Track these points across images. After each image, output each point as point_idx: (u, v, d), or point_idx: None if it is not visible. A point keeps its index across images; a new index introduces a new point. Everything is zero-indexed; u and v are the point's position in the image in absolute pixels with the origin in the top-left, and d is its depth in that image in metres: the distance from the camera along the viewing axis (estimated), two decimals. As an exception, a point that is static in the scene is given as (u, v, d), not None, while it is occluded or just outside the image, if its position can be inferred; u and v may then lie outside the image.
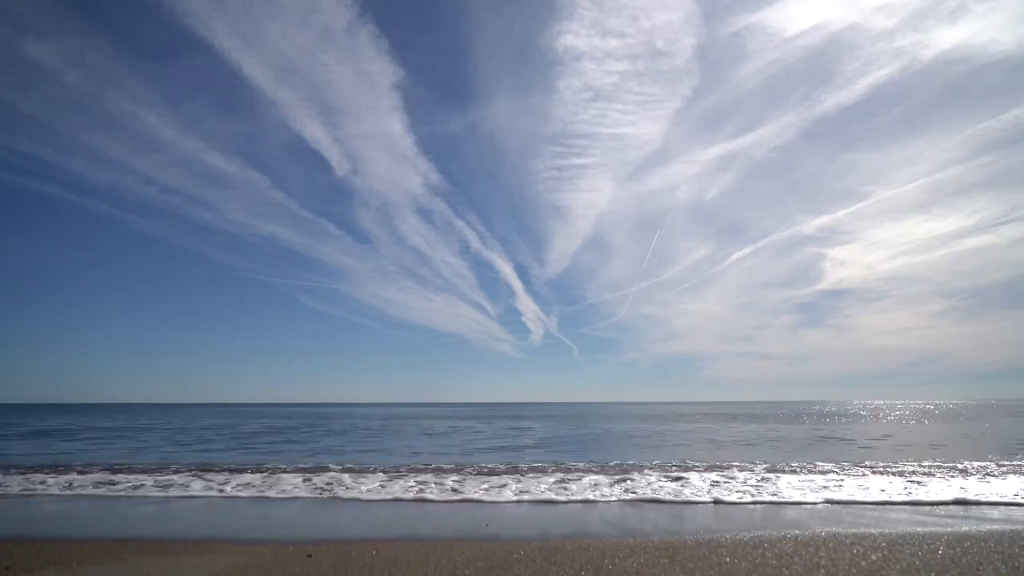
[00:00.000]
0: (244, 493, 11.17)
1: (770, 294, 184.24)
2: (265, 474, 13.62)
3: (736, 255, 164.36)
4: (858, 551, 6.24)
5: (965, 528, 7.52)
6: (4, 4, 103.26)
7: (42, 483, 12.38)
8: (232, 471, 14.32)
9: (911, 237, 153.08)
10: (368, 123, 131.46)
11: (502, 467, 14.76)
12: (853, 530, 7.39)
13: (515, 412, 73.43)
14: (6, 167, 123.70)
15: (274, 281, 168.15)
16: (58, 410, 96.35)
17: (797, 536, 7.05)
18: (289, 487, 11.69)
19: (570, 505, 9.81)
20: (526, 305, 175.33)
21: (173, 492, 11.35)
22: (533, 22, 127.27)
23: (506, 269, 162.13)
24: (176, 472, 14.19)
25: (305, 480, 12.53)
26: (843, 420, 44.71)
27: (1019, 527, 7.67)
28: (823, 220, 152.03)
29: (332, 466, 15.13)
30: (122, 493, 11.32)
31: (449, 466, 15.05)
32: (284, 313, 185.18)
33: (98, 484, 12.25)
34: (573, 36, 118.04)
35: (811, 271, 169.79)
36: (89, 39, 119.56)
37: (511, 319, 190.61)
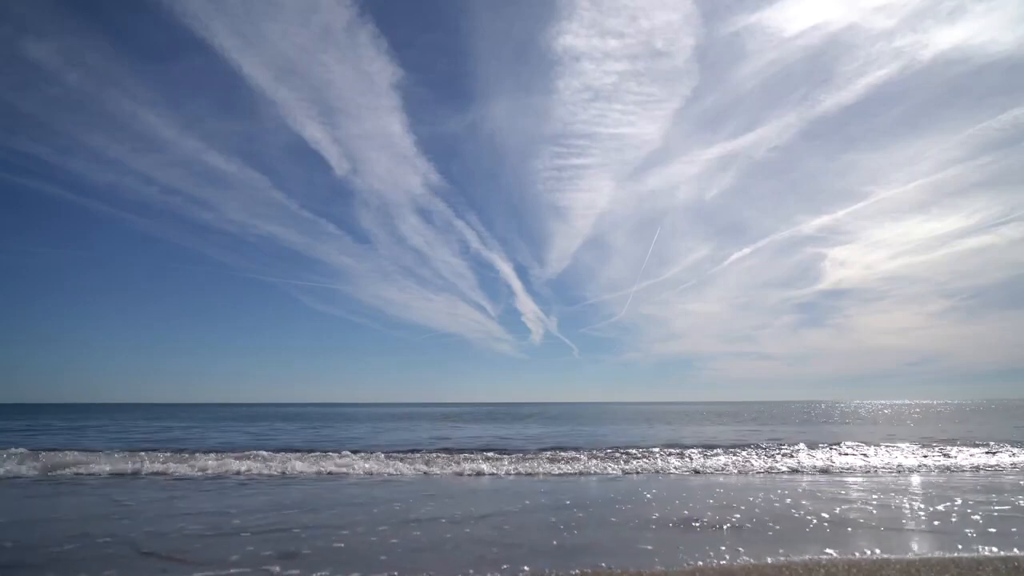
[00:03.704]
0: None
1: (770, 294, 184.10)
2: None
3: (736, 255, 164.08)
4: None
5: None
6: (4, 4, 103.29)
7: None
8: None
9: (911, 237, 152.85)
10: (368, 123, 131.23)
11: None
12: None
13: (523, 412, 73.34)
14: (6, 167, 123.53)
15: (274, 281, 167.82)
16: (55, 410, 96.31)
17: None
18: None
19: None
20: (526, 305, 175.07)
21: None
22: (533, 22, 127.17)
23: (506, 269, 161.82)
24: None
25: None
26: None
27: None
28: (823, 220, 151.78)
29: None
30: None
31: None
32: (284, 313, 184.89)
33: None
34: (572, 36, 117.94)
35: (811, 271, 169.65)
36: (89, 39, 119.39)
37: (511, 319, 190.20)
